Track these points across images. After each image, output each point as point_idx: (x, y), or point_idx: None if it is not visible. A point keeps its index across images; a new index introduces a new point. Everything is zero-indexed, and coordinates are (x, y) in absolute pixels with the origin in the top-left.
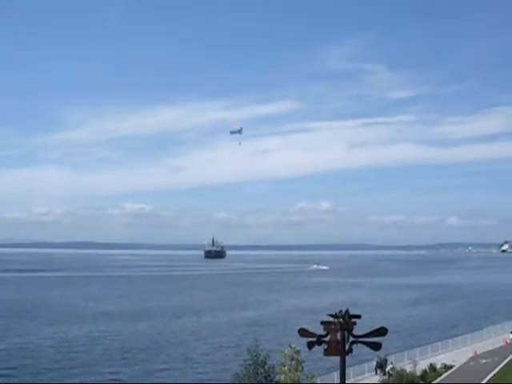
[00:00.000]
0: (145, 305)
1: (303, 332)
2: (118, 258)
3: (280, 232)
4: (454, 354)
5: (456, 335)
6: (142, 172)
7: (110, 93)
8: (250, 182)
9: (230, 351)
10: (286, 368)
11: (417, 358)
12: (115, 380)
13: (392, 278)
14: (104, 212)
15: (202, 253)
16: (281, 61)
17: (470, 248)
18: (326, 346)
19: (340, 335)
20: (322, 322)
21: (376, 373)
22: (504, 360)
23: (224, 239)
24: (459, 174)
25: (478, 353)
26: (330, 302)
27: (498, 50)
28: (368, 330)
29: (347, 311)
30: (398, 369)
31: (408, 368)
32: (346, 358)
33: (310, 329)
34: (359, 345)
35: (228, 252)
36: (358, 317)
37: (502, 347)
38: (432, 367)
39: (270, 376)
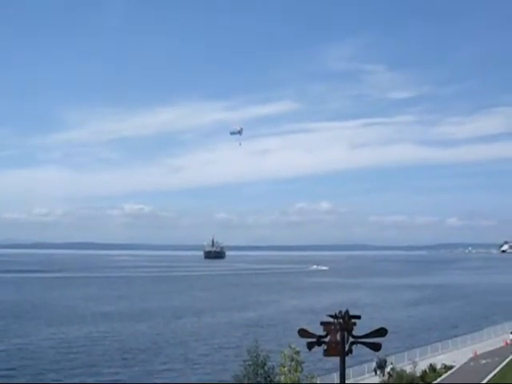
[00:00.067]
0: (144, 305)
1: (303, 332)
2: (117, 259)
3: (280, 232)
4: (453, 355)
5: (456, 336)
6: (142, 172)
7: (110, 93)
8: (250, 182)
9: (229, 352)
10: (285, 369)
11: (417, 359)
12: (115, 380)
13: (392, 278)
14: (104, 212)
15: (201, 253)
16: (280, 61)
17: (469, 248)
18: (325, 347)
19: (340, 336)
20: (322, 323)
21: (376, 373)
22: (504, 360)
23: (224, 240)
24: (459, 174)
25: (477, 353)
26: (330, 302)
27: (498, 50)
28: (368, 331)
29: (347, 312)
30: (398, 369)
31: (408, 368)
32: (346, 358)
33: (310, 329)
34: (359, 345)
35: (228, 252)
36: (358, 317)
37: (502, 347)
38: (432, 368)
39: (269, 377)
